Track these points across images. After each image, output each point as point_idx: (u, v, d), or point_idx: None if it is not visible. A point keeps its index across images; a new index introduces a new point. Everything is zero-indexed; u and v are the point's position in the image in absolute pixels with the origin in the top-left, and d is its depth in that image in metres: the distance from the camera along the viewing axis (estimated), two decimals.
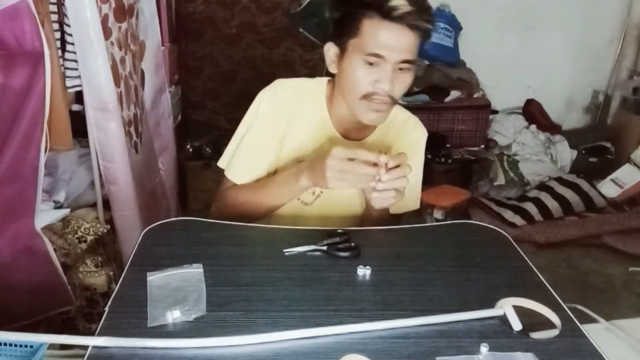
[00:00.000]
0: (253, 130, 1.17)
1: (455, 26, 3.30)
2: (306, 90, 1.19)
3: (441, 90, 3.16)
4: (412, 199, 1.24)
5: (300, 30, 3.11)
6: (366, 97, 1.06)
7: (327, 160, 0.97)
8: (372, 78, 1.04)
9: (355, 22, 1.03)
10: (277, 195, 1.13)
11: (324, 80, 1.20)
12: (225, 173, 1.19)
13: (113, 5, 1.79)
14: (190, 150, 3.05)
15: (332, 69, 1.13)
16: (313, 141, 1.17)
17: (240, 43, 3.27)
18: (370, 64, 1.03)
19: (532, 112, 3.57)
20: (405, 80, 1.06)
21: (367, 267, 0.92)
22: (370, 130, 1.20)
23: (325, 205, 1.21)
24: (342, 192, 1.18)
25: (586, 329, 0.80)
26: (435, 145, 3.13)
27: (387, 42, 1.01)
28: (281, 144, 1.17)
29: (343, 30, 1.06)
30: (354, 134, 1.19)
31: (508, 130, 3.43)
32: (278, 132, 1.16)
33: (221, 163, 1.21)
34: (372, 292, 0.88)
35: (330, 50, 1.11)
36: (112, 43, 1.79)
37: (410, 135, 1.24)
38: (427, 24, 1.02)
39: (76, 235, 1.81)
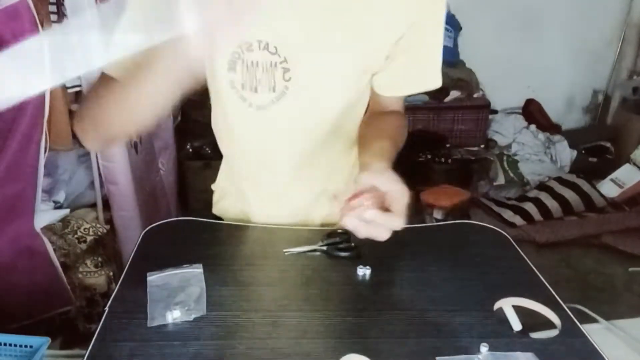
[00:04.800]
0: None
1: (455, 26, 3.30)
2: None
3: (441, 90, 3.15)
4: (432, 76, 0.95)
5: None
6: None
7: None
8: None
9: None
10: (144, 78, 0.71)
11: None
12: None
13: None
14: (190, 150, 3.05)
15: None
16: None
17: None
18: None
19: (532, 112, 3.57)
20: None
21: (367, 267, 0.92)
22: None
23: (290, 109, 0.89)
24: (316, 88, 0.88)
25: (586, 329, 0.80)
26: (435, 145, 3.13)
27: None
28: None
29: None
30: None
31: (508, 130, 3.43)
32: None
33: None
34: (372, 292, 0.88)
35: None
36: None
37: None
38: None
39: (76, 236, 1.81)
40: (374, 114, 1.00)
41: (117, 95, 0.76)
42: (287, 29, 0.83)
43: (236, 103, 0.90)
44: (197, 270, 0.88)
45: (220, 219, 1.14)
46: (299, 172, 1.01)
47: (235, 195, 1.12)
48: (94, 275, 1.83)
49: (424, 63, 0.93)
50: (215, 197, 1.19)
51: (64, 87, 1.73)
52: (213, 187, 1.19)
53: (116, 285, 0.86)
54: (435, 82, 0.96)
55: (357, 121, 1.00)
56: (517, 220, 2.78)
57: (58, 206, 1.86)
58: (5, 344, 0.89)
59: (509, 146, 3.38)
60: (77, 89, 1.79)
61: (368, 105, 1.01)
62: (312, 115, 0.93)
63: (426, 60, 0.93)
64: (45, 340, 0.91)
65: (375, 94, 0.98)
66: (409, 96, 1.04)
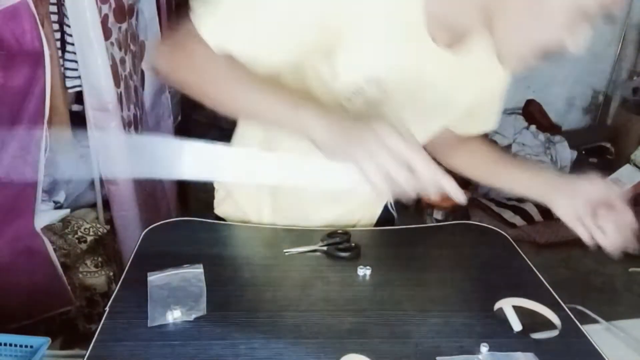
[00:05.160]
0: None
1: None
2: None
3: None
4: (492, 119, 1.03)
5: None
6: (543, 51, 0.72)
7: (368, 133, 0.64)
8: (570, 32, 0.70)
9: None
10: (255, 109, 0.73)
11: None
12: (196, 21, 0.73)
13: (113, 5, 1.79)
14: None
15: None
16: (389, 44, 0.78)
17: None
18: (584, 16, 0.69)
19: (532, 112, 3.57)
20: None
21: (367, 267, 0.92)
22: (472, 36, 0.82)
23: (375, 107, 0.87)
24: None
25: (586, 329, 0.81)
26: None
27: None
28: (324, 39, 0.75)
29: None
30: (449, 38, 0.81)
31: (508, 131, 3.43)
32: (325, 13, 0.73)
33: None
34: (372, 292, 0.88)
35: None
36: (112, 43, 1.79)
37: None
38: None
39: (76, 236, 1.81)
40: (463, 141, 1.05)
41: (210, 88, 0.75)
42: (397, 71, 0.82)
43: (325, 99, 0.87)
44: (197, 270, 0.88)
45: (222, 219, 1.14)
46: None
47: (240, 200, 1.11)
48: (94, 275, 1.82)
49: (487, 111, 1.01)
50: (218, 197, 1.18)
51: (64, 87, 1.73)
52: (216, 185, 1.18)
53: (116, 285, 0.86)
54: (491, 126, 1.03)
55: None
56: (517, 220, 2.77)
57: (58, 206, 1.86)
58: (5, 344, 0.89)
59: (509, 147, 3.37)
60: (77, 89, 1.79)
61: None
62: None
63: (490, 108, 1.01)
64: (45, 340, 0.91)
65: None
66: None
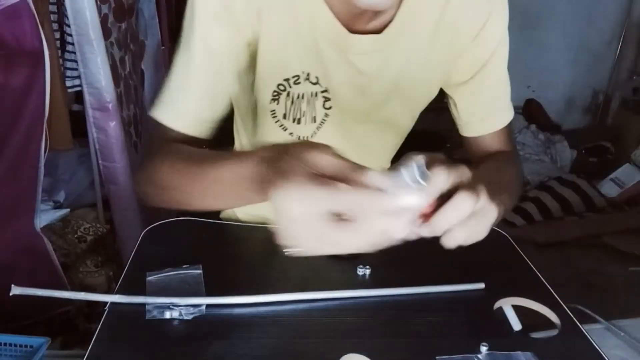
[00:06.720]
0: (194, 40, 0.73)
1: None
2: None
3: (440, 90, 3.17)
4: (500, 113, 0.94)
5: None
6: None
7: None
8: None
9: None
10: (214, 188, 0.68)
11: None
12: (155, 114, 0.78)
13: (113, 5, 1.79)
14: None
15: None
16: (301, 43, 0.76)
17: None
18: None
19: (532, 112, 3.57)
20: None
21: (367, 267, 0.92)
22: (391, 12, 0.75)
23: (329, 138, 0.83)
24: (355, 121, 0.87)
25: (586, 329, 0.80)
26: (435, 145, 3.14)
27: None
28: (246, 57, 0.76)
29: None
30: (362, 21, 0.75)
31: None
32: (239, 36, 0.74)
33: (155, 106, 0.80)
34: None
35: None
36: (111, 43, 1.79)
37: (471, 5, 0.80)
38: None
39: (76, 235, 1.82)
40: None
41: (178, 183, 0.76)
42: (332, 62, 0.79)
43: (276, 132, 0.88)
44: (196, 270, 0.88)
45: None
46: None
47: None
48: (94, 275, 1.83)
49: (492, 105, 0.96)
50: None
51: (64, 87, 1.73)
52: None
53: (116, 285, 0.86)
54: (507, 118, 0.96)
55: (387, 146, 1.04)
56: (517, 220, 2.78)
57: (58, 206, 1.87)
58: (5, 344, 0.89)
59: None
60: (77, 89, 1.79)
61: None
62: (348, 145, 0.91)
63: (494, 101, 0.95)
64: (45, 340, 0.91)
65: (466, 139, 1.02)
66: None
